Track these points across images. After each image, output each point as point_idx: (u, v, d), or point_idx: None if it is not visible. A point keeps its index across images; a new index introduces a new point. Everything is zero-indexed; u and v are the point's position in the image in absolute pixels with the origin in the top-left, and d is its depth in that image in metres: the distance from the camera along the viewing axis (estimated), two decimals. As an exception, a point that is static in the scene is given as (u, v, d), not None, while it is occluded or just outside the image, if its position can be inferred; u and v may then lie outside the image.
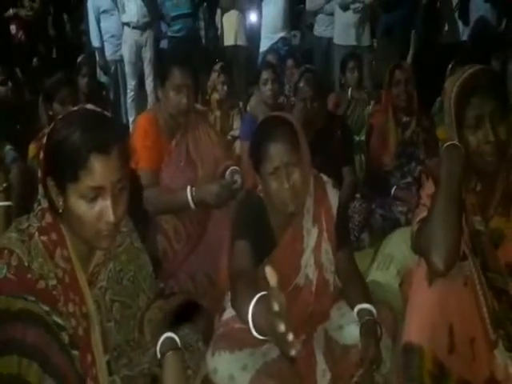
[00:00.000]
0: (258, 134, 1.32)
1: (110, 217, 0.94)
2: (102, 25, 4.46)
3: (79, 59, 3.51)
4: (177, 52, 3.93)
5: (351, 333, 1.26)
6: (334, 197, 1.37)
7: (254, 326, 0.96)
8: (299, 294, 1.32)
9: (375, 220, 2.17)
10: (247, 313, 0.97)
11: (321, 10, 4.21)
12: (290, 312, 1.27)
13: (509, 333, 1.16)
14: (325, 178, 1.40)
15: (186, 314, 1.29)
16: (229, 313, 1.37)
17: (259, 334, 0.96)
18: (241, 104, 3.32)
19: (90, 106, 1.00)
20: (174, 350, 1.10)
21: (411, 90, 2.36)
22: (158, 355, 1.11)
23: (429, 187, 1.24)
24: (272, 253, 1.31)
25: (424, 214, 1.20)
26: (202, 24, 5.14)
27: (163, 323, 1.18)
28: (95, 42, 4.52)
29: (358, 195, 2.28)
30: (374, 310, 1.22)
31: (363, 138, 2.66)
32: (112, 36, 4.47)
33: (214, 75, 3.13)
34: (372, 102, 3.05)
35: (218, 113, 3.13)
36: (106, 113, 0.99)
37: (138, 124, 1.89)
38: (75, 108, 1.00)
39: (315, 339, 1.29)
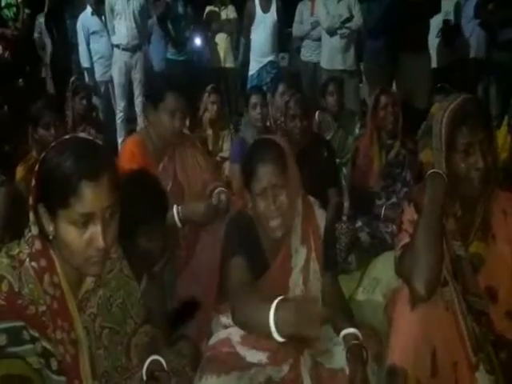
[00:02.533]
0: (248, 154, 1.36)
1: (100, 243, 0.96)
2: (91, 46, 4.52)
3: (72, 80, 3.52)
4: (170, 75, 3.98)
5: (338, 356, 1.27)
6: (321, 217, 1.40)
7: (277, 329, 0.99)
8: None
9: (363, 237, 2.20)
10: (267, 317, 0.99)
11: (307, 35, 4.33)
12: None
13: (489, 355, 1.19)
14: (312, 198, 1.44)
15: (187, 311, 1.30)
16: (216, 337, 1.38)
17: (283, 336, 0.99)
18: (231, 126, 3.38)
19: (81, 135, 1.04)
20: (161, 372, 1.11)
21: (397, 114, 2.44)
22: (144, 377, 1.11)
23: (410, 213, 1.27)
24: (265, 274, 1.33)
25: (406, 239, 1.23)
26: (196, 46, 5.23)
27: (149, 347, 1.19)
28: (85, 63, 4.56)
29: (344, 217, 2.31)
30: (359, 335, 1.24)
31: (344, 160, 2.72)
32: (101, 57, 4.52)
33: (205, 96, 3.19)
34: (358, 125, 3.12)
35: (209, 132, 3.18)
36: (96, 140, 1.02)
37: (125, 147, 1.90)
38: (67, 136, 1.02)
39: (302, 363, 1.30)
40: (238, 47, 4.68)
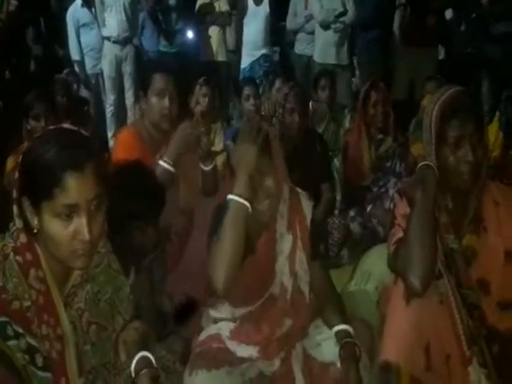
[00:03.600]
0: (235, 141, 1.36)
1: (86, 235, 0.94)
2: (81, 38, 4.45)
3: (56, 78, 3.48)
4: (160, 61, 3.94)
5: (329, 350, 1.27)
6: (308, 208, 1.39)
7: None
8: (274, 304, 1.33)
9: (354, 228, 2.20)
10: None
11: (301, 29, 4.30)
12: (266, 323, 1.30)
13: (482, 349, 1.19)
14: (299, 190, 1.44)
15: (185, 312, 1.29)
16: (206, 332, 1.37)
17: None
18: (223, 119, 3.34)
19: (66, 125, 1.01)
20: (149, 368, 1.09)
21: (388, 112, 2.42)
22: (133, 374, 1.09)
23: (402, 207, 1.26)
24: (248, 257, 1.31)
25: (399, 234, 1.22)
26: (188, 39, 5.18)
27: (139, 344, 1.17)
28: (75, 56, 4.50)
29: (336, 211, 2.31)
30: (351, 331, 1.24)
31: (336, 153, 2.71)
32: (92, 50, 4.46)
33: (196, 88, 3.15)
34: (348, 118, 3.10)
35: (202, 127, 3.14)
36: (81, 131, 1.00)
37: (120, 139, 1.87)
38: (51, 127, 1.00)
39: (293, 357, 1.29)
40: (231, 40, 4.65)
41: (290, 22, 4.39)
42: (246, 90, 2.77)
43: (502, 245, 1.21)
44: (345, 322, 1.26)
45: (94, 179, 0.94)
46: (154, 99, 1.79)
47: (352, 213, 2.28)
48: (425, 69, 3.50)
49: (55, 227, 0.93)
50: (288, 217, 1.35)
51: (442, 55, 4.11)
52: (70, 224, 0.93)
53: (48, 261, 0.98)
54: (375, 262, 1.57)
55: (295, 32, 4.39)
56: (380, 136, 2.43)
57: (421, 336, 1.13)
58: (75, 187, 0.92)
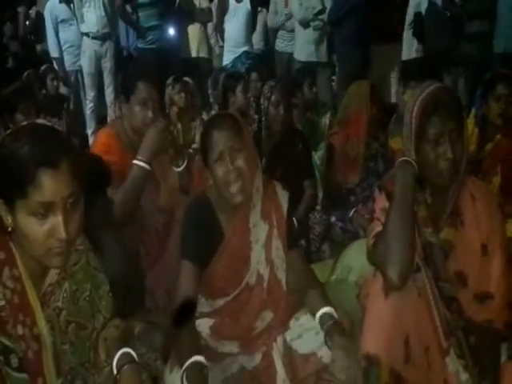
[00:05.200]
0: (204, 129, 1.38)
1: (62, 233, 0.92)
2: (60, 35, 4.38)
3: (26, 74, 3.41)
4: (142, 65, 3.89)
5: (310, 341, 1.28)
6: (283, 197, 1.40)
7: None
8: (251, 294, 1.34)
9: (335, 232, 2.22)
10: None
11: (282, 26, 4.31)
12: (245, 315, 1.31)
13: (459, 340, 1.21)
14: (274, 181, 1.44)
15: (183, 314, 1.29)
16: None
17: None
18: (204, 115, 3.31)
19: (39, 121, 0.99)
20: (131, 364, 1.08)
21: (375, 110, 2.40)
22: (115, 371, 1.09)
23: (381, 201, 1.28)
24: (218, 244, 1.33)
25: (378, 228, 1.23)
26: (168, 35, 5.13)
27: (120, 341, 1.16)
28: (54, 53, 4.43)
29: (318, 207, 2.32)
30: (334, 313, 1.25)
31: (318, 153, 2.71)
32: (71, 46, 4.39)
33: (168, 88, 3.11)
34: (328, 116, 3.11)
35: (179, 125, 3.10)
36: (56, 127, 0.98)
37: (99, 140, 1.85)
38: (24, 123, 0.98)
39: (275, 350, 1.30)
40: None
41: (271, 20, 4.40)
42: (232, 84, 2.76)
43: (478, 238, 1.23)
44: (327, 304, 1.26)
45: (70, 176, 0.92)
46: (137, 108, 1.78)
47: (333, 218, 2.29)
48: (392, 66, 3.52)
49: (30, 226, 0.91)
50: (262, 206, 1.35)
51: (419, 52, 4.15)
52: (45, 222, 0.92)
53: (23, 259, 0.96)
54: (355, 256, 1.58)
55: (276, 30, 4.39)
56: (367, 139, 2.42)
57: (400, 328, 1.14)
58: (50, 185, 0.90)
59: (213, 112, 2.99)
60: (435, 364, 1.20)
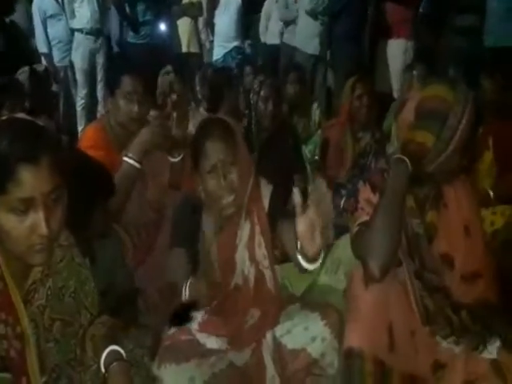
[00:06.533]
0: (196, 134, 1.35)
1: (43, 229, 0.90)
2: (49, 30, 4.32)
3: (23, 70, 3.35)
4: (127, 59, 3.87)
5: (299, 337, 1.27)
6: (266, 189, 1.39)
7: None
8: (240, 294, 1.34)
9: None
10: None
11: (294, 21, 4.19)
12: (234, 315, 1.30)
13: (449, 317, 1.22)
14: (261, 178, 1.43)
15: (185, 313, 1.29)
16: (176, 325, 1.36)
17: None
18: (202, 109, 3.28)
19: (19, 115, 0.97)
20: (119, 361, 1.08)
21: (372, 103, 2.41)
22: (102, 369, 1.07)
23: (366, 192, 1.27)
24: (208, 251, 1.33)
25: (363, 217, 1.23)
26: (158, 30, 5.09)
27: (107, 338, 1.15)
28: (42, 48, 4.37)
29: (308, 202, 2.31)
30: None
31: (309, 148, 2.70)
32: (60, 42, 4.33)
33: (168, 76, 3.08)
34: (318, 113, 3.10)
35: (174, 114, 3.07)
36: (36, 121, 0.96)
37: (86, 135, 1.84)
38: (3, 117, 0.96)
39: (264, 346, 1.29)
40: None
41: (283, 15, 4.31)
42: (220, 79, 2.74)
43: (461, 220, 1.25)
44: None
45: (51, 171, 0.91)
46: (122, 102, 1.75)
47: None
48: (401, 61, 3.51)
49: (10, 222, 0.89)
50: (246, 206, 1.34)
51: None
52: (26, 219, 0.90)
53: (5, 257, 0.95)
54: (344, 249, 1.57)
55: (287, 24, 4.32)
56: (361, 134, 2.44)
57: (382, 317, 1.14)
58: (29, 180, 0.88)
59: (201, 109, 2.97)
60: (424, 346, 1.20)
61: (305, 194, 2.36)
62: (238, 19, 4.21)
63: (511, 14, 2.92)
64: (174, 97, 2.92)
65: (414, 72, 2.85)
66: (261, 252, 1.33)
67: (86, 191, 1.25)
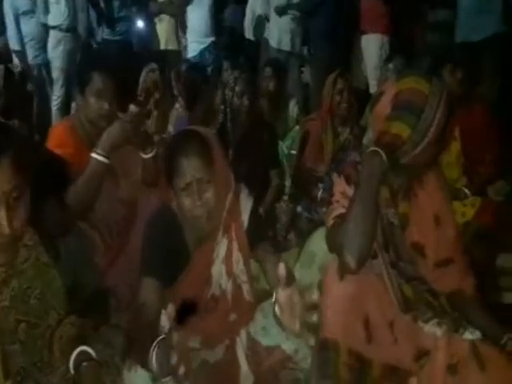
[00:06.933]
0: (170, 147, 1.29)
1: (5, 228, 0.89)
2: (22, 27, 4.21)
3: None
4: (100, 56, 3.80)
5: (274, 334, 1.25)
6: (246, 204, 1.36)
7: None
8: (217, 304, 1.32)
9: (301, 222, 2.22)
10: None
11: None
12: (211, 321, 1.29)
13: (429, 301, 1.23)
14: (241, 186, 1.39)
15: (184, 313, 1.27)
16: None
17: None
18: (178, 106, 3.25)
19: None
20: (89, 362, 1.06)
21: (352, 98, 2.44)
22: (72, 371, 1.06)
23: (341, 185, 1.27)
24: (186, 269, 1.29)
25: (339, 210, 1.23)
26: (135, 27, 5.03)
27: (76, 339, 1.13)
28: (15, 46, 4.26)
29: (285, 197, 2.32)
30: None
31: (287, 143, 2.70)
32: (33, 39, 4.22)
33: (153, 74, 3.04)
34: (296, 110, 3.10)
35: (155, 113, 3.05)
36: None
37: (53, 134, 1.80)
38: None
39: (238, 343, 1.28)
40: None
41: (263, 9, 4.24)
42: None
43: (430, 209, 1.26)
44: None
45: (11, 170, 0.89)
46: (92, 99, 1.72)
47: (299, 208, 2.29)
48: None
49: None
50: (224, 222, 1.31)
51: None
52: None
53: None
54: (319, 243, 1.57)
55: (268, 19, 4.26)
56: (341, 128, 2.46)
57: (357, 309, 1.14)
58: None
59: (177, 105, 2.94)
60: (404, 335, 1.21)
61: (282, 190, 2.39)
62: (211, 15, 4.17)
63: (480, 9, 2.97)
64: (157, 95, 2.89)
65: (390, 65, 2.88)
66: (239, 268, 1.32)
67: (40, 185, 1.21)
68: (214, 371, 1.23)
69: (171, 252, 1.26)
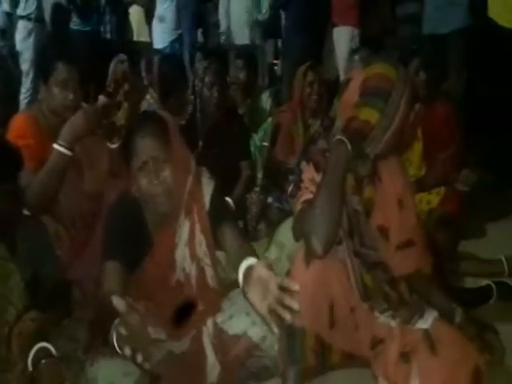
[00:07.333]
0: (128, 131, 1.30)
1: None
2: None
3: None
4: (62, 45, 3.70)
5: (240, 322, 1.26)
6: (207, 186, 1.35)
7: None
8: (182, 290, 1.30)
9: (272, 212, 2.23)
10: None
11: None
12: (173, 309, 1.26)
13: (386, 293, 1.25)
14: (202, 169, 1.38)
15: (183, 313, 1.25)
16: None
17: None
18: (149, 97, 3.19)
19: None
20: (49, 358, 1.04)
21: (322, 90, 2.44)
22: (30, 368, 1.03)
23: (309, 172, 1.28)
24: (149, 253, 1.27)
25: (307, 196, 1.24)
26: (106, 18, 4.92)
27: (36, 335, 1.09)
28: (-22, 36, 4.11)
29: (257, 188, 2.32)
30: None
31: (259, 135, 2.70)
32: (-5, 29, 4.10)
33: (122, 65, 2.98)
34: (269, 102, 3.09)
35: (125, 104, 2.98)
36: None
37: (14, 125, 1.73)
38: None
39: (204, 333, 1.27)
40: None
41: None
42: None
43: (394, 193, 1.28)
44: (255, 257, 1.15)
45: None
46: (56, 90, 1.67)
47: (270, 199, 2.29)
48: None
49: None
50: (186, 204, 1.30)
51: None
52: None
53: None
54: (288, 233, 1.57)
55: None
56: (311, 120, 2.46)
57: (323, 294, 1.16)
58: None
59: (147, 97, 2.89)
60: (363, 322, 1.23)
61: (254, 181, 2.37)
62: (182, 7, 4.10)
63: (448, 2, 3.01)
64: (127, 87, 2.82)
65: (356, 57, 2.89)
66: (202, 250, 1.31)
67: None
68: (180, 362, 1.22)
69: (133, 236, 1.25)
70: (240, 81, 2.94)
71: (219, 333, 1.26)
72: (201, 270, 1.31)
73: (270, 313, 0.94)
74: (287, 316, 0.91)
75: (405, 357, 1.20)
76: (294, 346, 1.12)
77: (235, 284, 1.38)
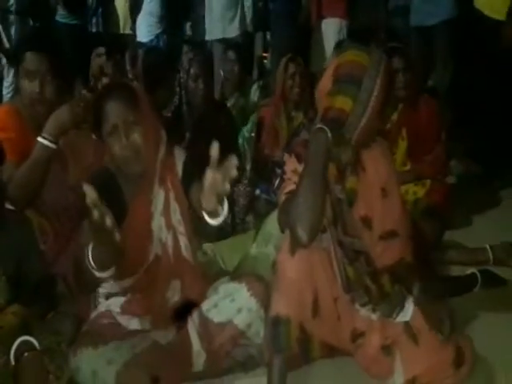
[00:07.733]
0: (96, 99, 1.31)
1: None
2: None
3: None
4: (33, 35, 3.62)
5: (225, 309, 1.27)
6: (179, 155, 1.37)
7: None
8: (160, 264, 1.31)
9: (260, 204, 2.22)
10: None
11: None
12: (154, 286, 1.27)
13: (367, 286, 1.25)
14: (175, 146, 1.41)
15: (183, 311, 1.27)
16: (97, 310, 1.32)
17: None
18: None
19: None
20: (31, 352, 1.04)
21: (304, 82, 2.42)
22: (12, 361, 1.02)
23: (292, 163, 1.28)
24: (124, 222, 1.27)
25: (291, 187, 1.24)
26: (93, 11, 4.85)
27: (18, 329, 1.09)
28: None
29: (245, 180, 2.31)
30: None
31: (248, 127, 2.68)
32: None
33: (99, 59, 2.93)
34: (257, 94, 3.08)
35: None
36: None
37: None
38: None
39: (190, 323, 1.28)
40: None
41: None
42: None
43: (377, 182, 1.28)
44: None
45: None
46: (23, 81, 1.62)
47: (258, 191, 2.29)
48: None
49: None
50: (160, 174, 1.31)
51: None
52: None
53: None
54: (275, 223, 1.57)
55: None
56: (294, 113, 2.45)
57: (308, 284, 1.16)
58: None
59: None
60: (345, 313, 1.24)
61: (242, 173, 2.36)
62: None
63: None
64: (105, 80, 2.78)
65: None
66: (176, 218, 1.32)
67: None
68: (166, 352, 1.21)
69: (109, 206, 1.24)
70: (234, 73, 2.92)
71: (204, 321, 1.26)
72: (176, 241, 1.31)
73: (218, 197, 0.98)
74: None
75: (386, 350, 1.21)
76: (278, 336, 1.12)
77: (224, 273, 1.38)
